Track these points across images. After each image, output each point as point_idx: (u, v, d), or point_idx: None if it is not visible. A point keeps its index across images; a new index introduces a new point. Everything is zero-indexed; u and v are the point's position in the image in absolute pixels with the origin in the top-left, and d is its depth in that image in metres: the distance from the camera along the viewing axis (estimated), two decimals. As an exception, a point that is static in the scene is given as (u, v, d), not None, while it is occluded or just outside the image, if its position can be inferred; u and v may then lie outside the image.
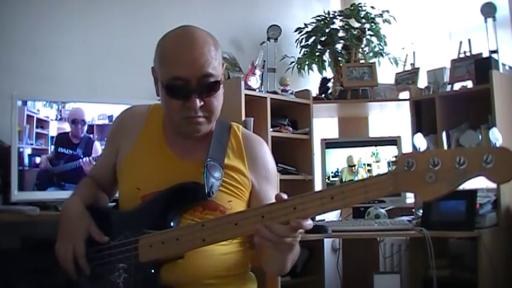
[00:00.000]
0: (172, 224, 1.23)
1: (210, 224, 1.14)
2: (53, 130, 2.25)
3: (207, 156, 1.31)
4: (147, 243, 1.18)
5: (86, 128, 2.31)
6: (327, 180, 3.18)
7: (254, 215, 1.09)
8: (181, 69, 1.22)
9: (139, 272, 1.18)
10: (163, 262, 1.19)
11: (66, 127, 2.28)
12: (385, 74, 3.43)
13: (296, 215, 1.06)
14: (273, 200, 1.34)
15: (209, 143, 1.35)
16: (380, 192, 1.01)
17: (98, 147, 2.31)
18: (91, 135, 2.32)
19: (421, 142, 1.00)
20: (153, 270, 1.18)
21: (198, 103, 1.23)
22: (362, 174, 3.15)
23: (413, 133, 3.14)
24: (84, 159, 2.29)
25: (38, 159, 2.20)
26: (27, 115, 2.19)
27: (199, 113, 1.26)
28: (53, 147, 2.24)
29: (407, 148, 3.15)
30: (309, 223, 1.07)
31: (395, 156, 3.13)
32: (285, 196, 1.09)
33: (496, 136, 0.98)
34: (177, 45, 1.25)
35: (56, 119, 2.26)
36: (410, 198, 3.08)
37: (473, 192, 2.56)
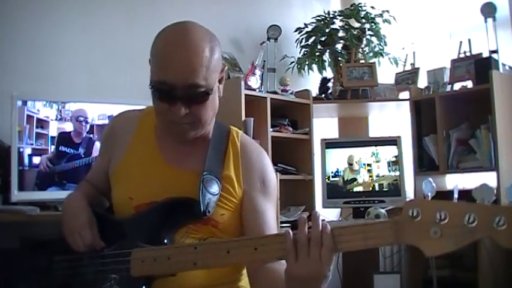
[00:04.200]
0: (166, 240, 1.19)
1: (202, 247, 1.09)
2: (53, 130, 2.25)
3: (204, 169, 1.24)
4: (139, 258, 1.15)
5: (88, 126, 2.31)
6: (327, 180, 3.18)
7: (247, 246, 1.04)
8: (167, 74, 1.15)
9: (131, 286, 1.15)
10: (154, 278, 1.16)
11: (67, 127, 2.28)
12: (385, 74, 3.44)
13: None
14: (268, 216, 1.29)
15: (206, 151, 1.29)
16: (380, 241, 0.96)
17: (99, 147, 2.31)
18: (91, 135, 2.32)
19: (430, 188, 0.95)
20: (144, 286, 1.15)
21: (183, 111, 1.16)
22: (363, 174, 3.15)
23: (414, 133, 3.15)
24: (87, 159, 2.29)
25: (37, 160, 2.20)
26: (27, 115, 2.19)
27: (185, 120, 1.19)
28: (53, 146, 2.24)
29: (407, 149, 3.16)
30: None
31: (396, 157, 3.13)
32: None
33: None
34: (168, 45, 1.17)
35: (56, 119, 2.26)
36: (410, 198, 3.08)
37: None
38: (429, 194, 0.95)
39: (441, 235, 0.87)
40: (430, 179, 0.99)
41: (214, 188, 1.23)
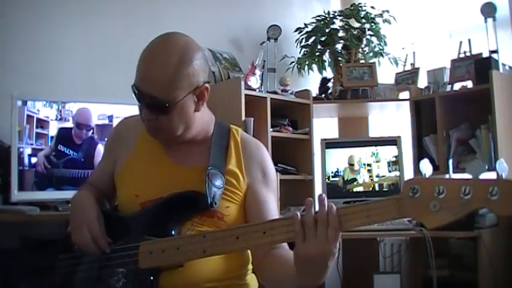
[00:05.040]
0: (173, 232, 1.22)
1: (211, 235, 1.12)
2: (53, 130, 2.25)
3: (208, 164, 1.29)
4: (147, 250, 1.18)
5: (90, 132, 2.31)
6: (327, 180, 3.18)
7: (256, 230, 1.08)
8: (137, 80, 1.24)
9: (139, 278, 1.17)
10: (162, 269, 1.18)
11: (69, 124, 2.28)
12: (385, 74, 3.43)
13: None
14: (271, 204, 1.34)
15: (208, 149, 1.34)
16: (383, 217, 1.00)
17: (101, 149, 2.30)
18: (93, 135, 2.32)
19: (427, 167, 1.00)
20: (152, 277, 1.17)
21: (148, 116, 1.25)
22: (363, 173, 3.15)
23: (414, 133, 3.15)
24: (85, 171, 2.28)
25: (36, 159, 2.19)
26: (27, 115, 2.19)
27: (150, 123, 1.27)
28: (53, 143, 2.24)
29: (407, 149, 3.16)
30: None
31: (396, 157, 3.13)
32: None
33: (502, 167, 0.98)
34: (144, 54, 1.26)
35: (56, 119, 2.26)
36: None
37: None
38: (426, 173, 1.00)
39: (440, 208, 0.93)
40: (426, 159, 1.03)
41: (219, 182, 1.29)
